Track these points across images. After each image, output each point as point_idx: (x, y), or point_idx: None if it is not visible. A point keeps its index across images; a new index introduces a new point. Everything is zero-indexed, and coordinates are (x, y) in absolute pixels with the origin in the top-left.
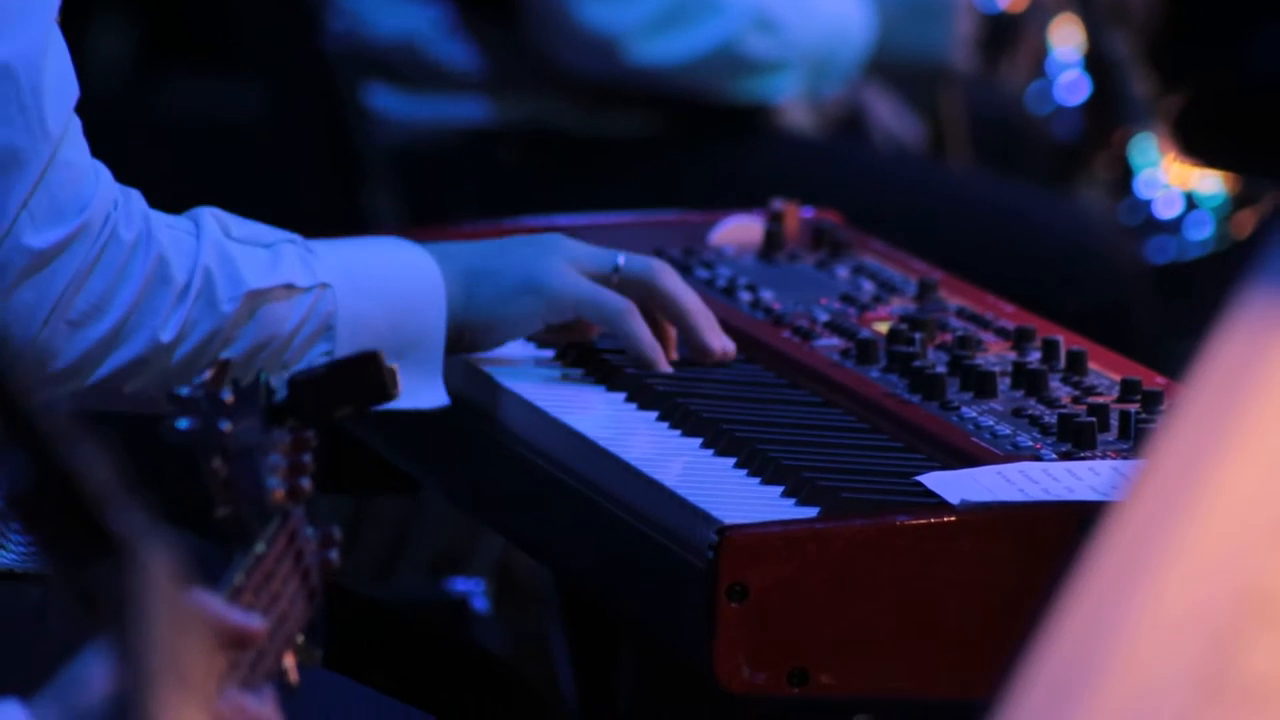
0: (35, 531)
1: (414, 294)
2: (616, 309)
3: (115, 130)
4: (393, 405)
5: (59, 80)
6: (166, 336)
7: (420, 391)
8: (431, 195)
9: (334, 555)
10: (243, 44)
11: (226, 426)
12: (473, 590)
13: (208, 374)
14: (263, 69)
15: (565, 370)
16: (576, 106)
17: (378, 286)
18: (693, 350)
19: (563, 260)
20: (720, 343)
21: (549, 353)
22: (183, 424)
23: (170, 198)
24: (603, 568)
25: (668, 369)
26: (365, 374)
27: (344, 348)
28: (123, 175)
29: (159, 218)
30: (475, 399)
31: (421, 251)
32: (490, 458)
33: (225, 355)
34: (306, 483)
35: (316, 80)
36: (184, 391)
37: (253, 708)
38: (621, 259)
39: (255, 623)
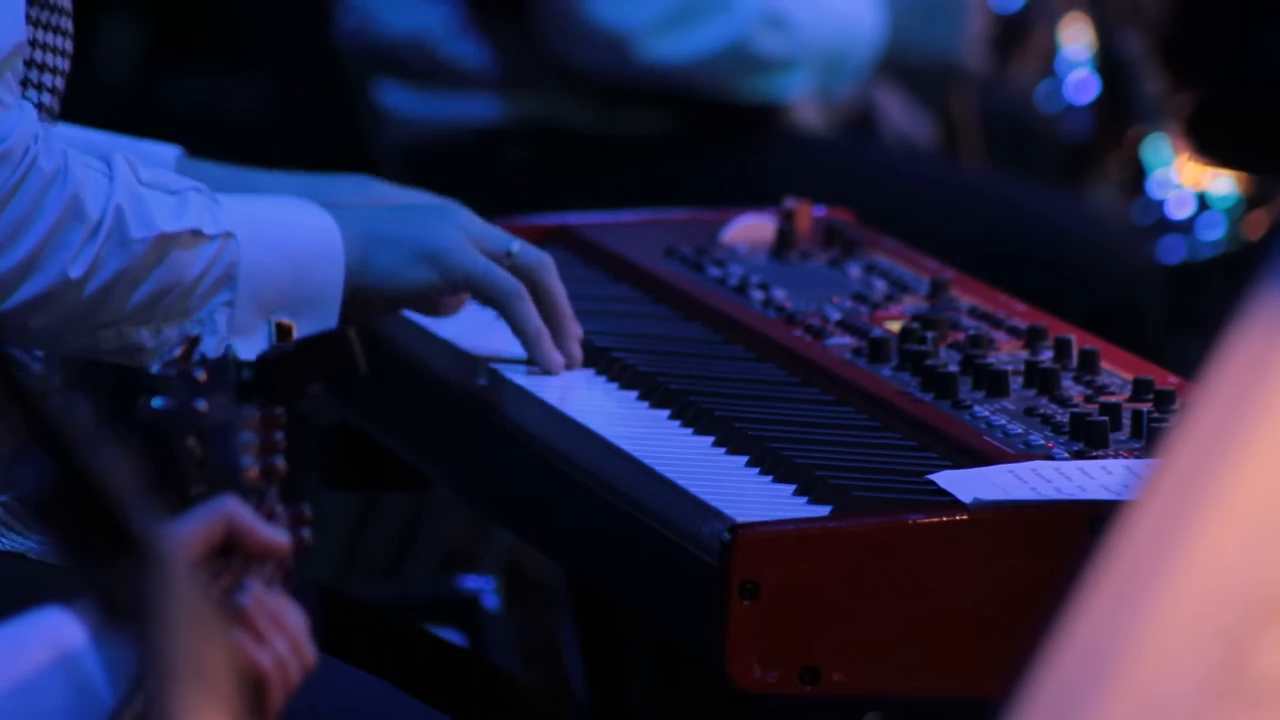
0: (56, 532)
1: (313, 252)
2: (510, 289)
3: (123, 126)
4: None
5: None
6: (76, 272)
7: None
8: (441, 193)
9: (306, 534)
10: (252, 40)
11: (202, 405)
12: (483, 588)
13: (177, 351)
14: (272, 65)
15: (577, 368)
16: (587, 105)
17: (279, 241)
18: (534, 355)
19: (461, 233)
20: (562, 359)
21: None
22: (158, 403)
23: None
24: (614, 565)
25: (555, 358)
26: (334, 350)
27: (244, 299)
28: None
29: (74, 155)
30: (483, 395)
31: (322, 212)
32: (500, 454)
33: (133, 298)
34: (280, 461)
35: (326, 77)
36: (156, 369)
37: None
38: (516, 245)
39: (281, 538)
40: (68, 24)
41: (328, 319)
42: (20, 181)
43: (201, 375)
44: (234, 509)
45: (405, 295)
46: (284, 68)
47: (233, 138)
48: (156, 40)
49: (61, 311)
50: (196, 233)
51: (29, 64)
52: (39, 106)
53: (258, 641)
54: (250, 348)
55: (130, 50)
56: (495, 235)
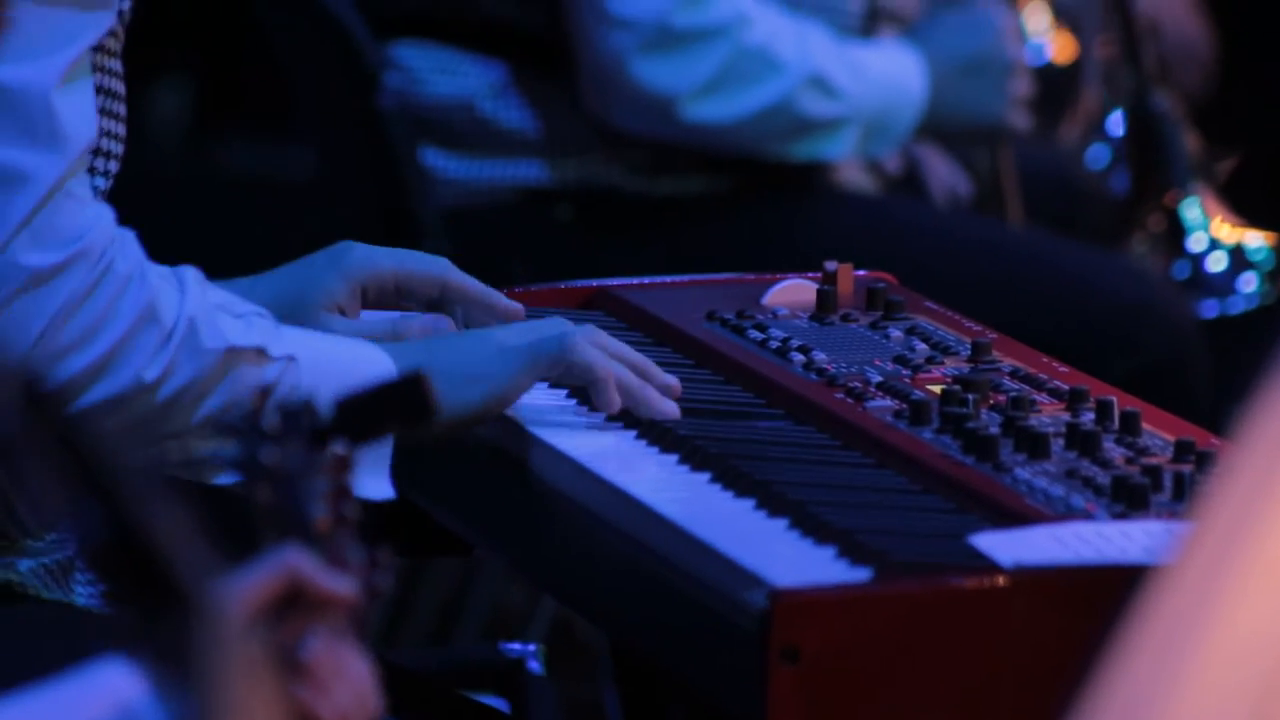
0: (108, 584)
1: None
2: (561, 345)
3: (172, 191)
4: None
5: (77, 115)
6: (150, 375)
7: (366, 482)
8: (486, 256)
9: (382, 580)
10: (298, 104)
11: (271, 453)
12: (528, 652)
13: (250, 402)
14: (317, 130)
15: (618, 432)
16: (631, 168)
17: (335, 370)
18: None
19: (504, 340)
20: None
21: (600, 415)
22: (228, 452)
23: (225, 259)
24: (654, 630)
25: (613, 400)
26: (410, 394)
27: None
28: (178, 236)
29: (151, 265)
30: (526, 461)
31: (376, 348)
32: (542, 520)
33: (200, 410)
34: (350, 509)
35: (371, 141)
36: (229, 418)
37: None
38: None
39: (348, 587)
40: (123, 109)
41: (379, 457)
42: (97, 282)
43: (274, 423)
44: (297, 559)
45: (474, 412)
46: (329, 132)
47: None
48: (204, 107)
49: (133, 417)
50: (261, 351)
51: (94, 152)
52: (95, 191)
53: (320, 694)
54: None
55: (179, 117)
56: (545, 323)
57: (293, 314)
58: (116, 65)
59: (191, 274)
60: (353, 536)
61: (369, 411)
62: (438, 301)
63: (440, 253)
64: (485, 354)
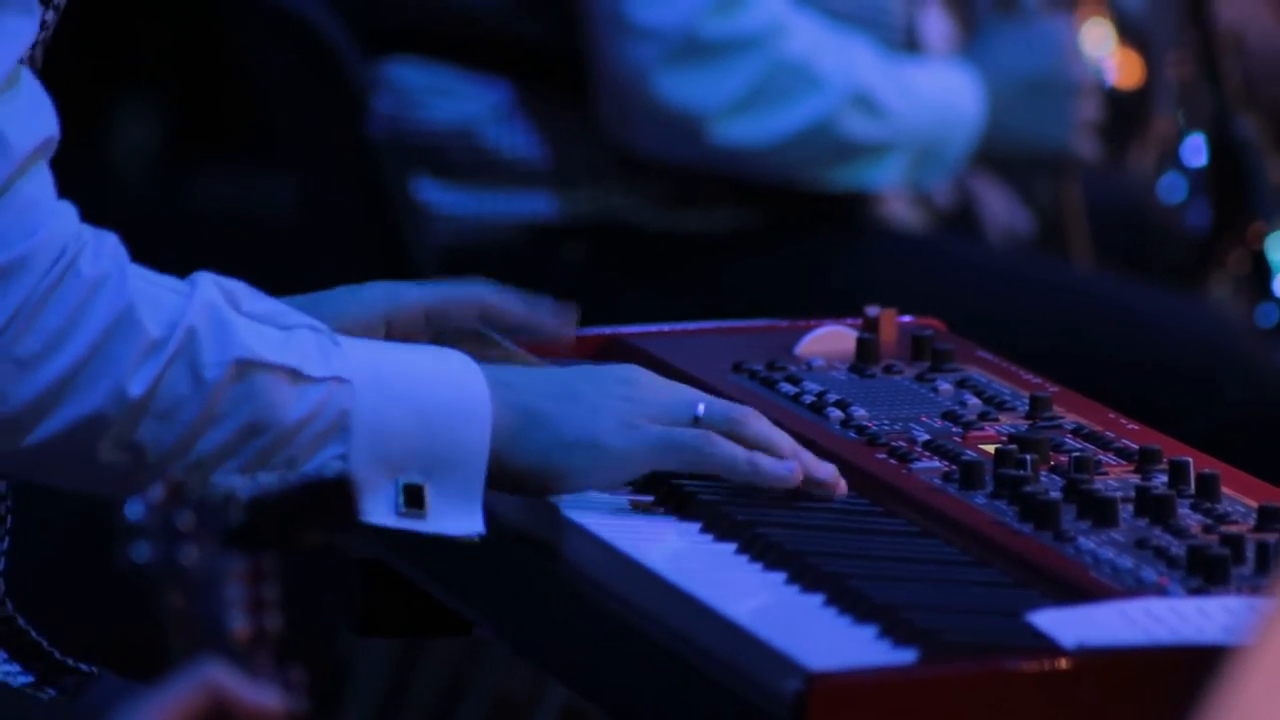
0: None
1: (453, 407)
2: (694, 451)
3: (140, 227)
4: (424, 528)
5: (16, 123)
6: (135, 390)
7: (452, 516)
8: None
9: (299, 703)
10: (278, 131)
11: (187, 555)
12: None
13: (160, 491)
14: (301, 159)
15: (634, 497)
16: (651, 200)
17: (409, 392)
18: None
19: (630, 411)
20: (794, 467)
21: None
22: (139, 553)
23: None
24: (675, 719)
25: (773, 471)
26: (335, 495)
27: (362, 454)
28: None
29: (139, 271)
30: (534, 530)
31: (470, 364)
32: (550, 596)
33: (212, 434)
34: (271, 622)
35: (361, 171)
36: (137, 515)
37: None
38: (701, 408)
39: (272, 702)
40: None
41: (471, 482)
42: (54, 287)
43: (188, 520)
44: (217, 676)
45: (561, 482)
46: (314, 161)
47: (260, 239)
48: (177, 133)
49: (125, 440)
50: (295, 373)
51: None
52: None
53: None
54: (373, 510)
55: (149, 145)
56: (677, 404)
57: None
58: None
59: (210, 280)
60: (271, 652)
61: (288, 512)
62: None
63: None
64: (609, 425)
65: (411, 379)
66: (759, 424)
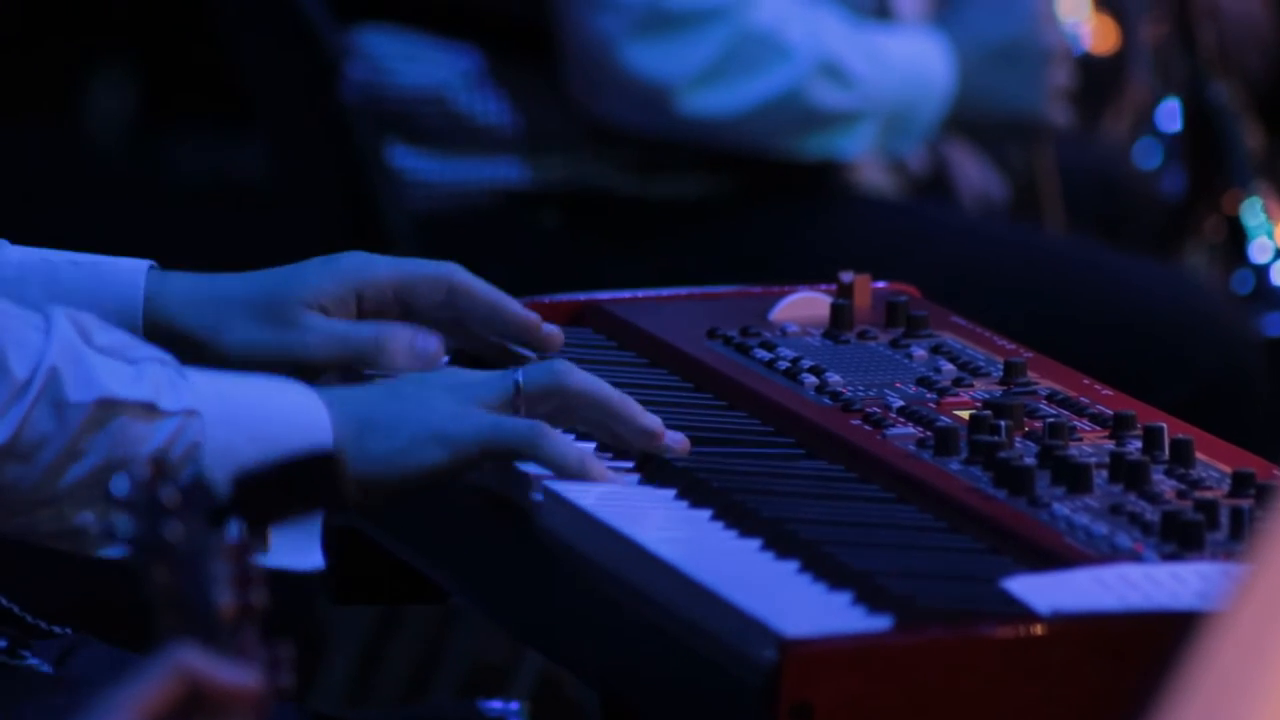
0: None
1: (294, 436)
2: (524, 439)
3: (112, 195)
4: (266, 562)
5: None
6: (2, 435)
7: (292, 550)
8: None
9: (285, 678)
10: (251, 98)
11: (172, 531)
12: (510, 711)
13: (147, 471)
14: (274, 125)
15: (610, 464)
16: (623, 166)
17: (254, 422)
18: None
19: (456, 398)
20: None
21: (590, 444)
22: (123, 528)
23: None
24: (650, 686)
25: (602, 474)
26: (320, 473)
27: None
28: (120, 246)
29: (3, 305)
30: (509, 498)
31: (309, 392)
32: (526, 563)
33: (72, 471)
34: (257, 598)
35: (334, 137)
36: (123, 491)
37: None
38: (519, 375)
39: (251, 681)
40: None
41: (309, 524)
42: None
43: (172, 497)
44: (190, 659)
45: (413, 480)
46: (288, 128)
47: (234, 206)
48: (151, 102)
49: None
50: (150, 407)
51: None
52: None
53: None
54: None
55: (123, 113)
56: (493, 380)
57: (274, 310)
58: None
59: (63, 316)
60: (257, 628)
61: (269, 493)
62: (444, 309)
63: None
64: (440, 414)
65: (255, 408)
66: (572, 380)
